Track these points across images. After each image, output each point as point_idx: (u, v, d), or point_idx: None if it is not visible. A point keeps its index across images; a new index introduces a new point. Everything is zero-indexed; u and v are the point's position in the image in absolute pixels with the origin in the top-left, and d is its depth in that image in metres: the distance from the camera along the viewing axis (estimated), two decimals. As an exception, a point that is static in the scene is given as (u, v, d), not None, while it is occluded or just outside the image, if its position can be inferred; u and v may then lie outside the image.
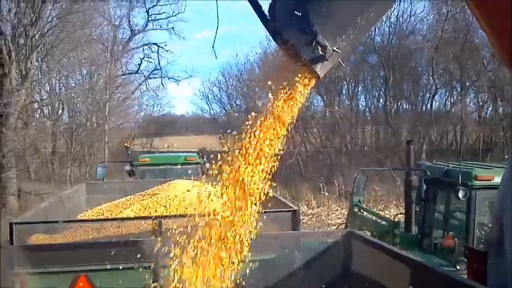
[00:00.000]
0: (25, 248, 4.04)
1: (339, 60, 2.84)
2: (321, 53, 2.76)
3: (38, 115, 28.04)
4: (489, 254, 4.49)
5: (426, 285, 3.32)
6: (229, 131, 3.06)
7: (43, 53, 24.51)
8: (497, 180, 5.64)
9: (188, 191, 5.84)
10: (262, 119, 2.94)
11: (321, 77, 2.88)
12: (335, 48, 2.76)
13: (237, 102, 36.77)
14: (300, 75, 2.89)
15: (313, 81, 2.92)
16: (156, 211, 5.69)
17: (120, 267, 3.48)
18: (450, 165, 8.24)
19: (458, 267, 6.58)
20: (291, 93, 2.92)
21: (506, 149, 25.69)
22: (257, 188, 2.98)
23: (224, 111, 37.95)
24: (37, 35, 22.19)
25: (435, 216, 8.29)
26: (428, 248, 7.92)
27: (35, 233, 5.15)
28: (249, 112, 3.05)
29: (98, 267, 3.66)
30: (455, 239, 7.44)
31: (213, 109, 40.02)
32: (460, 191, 7.02)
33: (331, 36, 2.79)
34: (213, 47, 3.23)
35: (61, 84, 30.13)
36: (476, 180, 7.28)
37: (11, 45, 20.64)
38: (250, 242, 3.06)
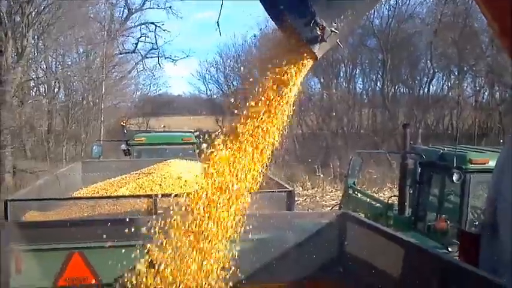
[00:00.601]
0: (19, 225, 4.04)
1: (337, 41, 2.83)
2: (319, 33, 2.75)
3: (34, 93, 27.96)
4: (482, 236, 4.53)
5: (419, 266, 3.34)
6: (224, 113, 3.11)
7: (39, 31, 24.31)
8: (492, 164, 5.66)
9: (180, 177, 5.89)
10: (254, 103, 2.96)
11: (319, 57, 2.88)
12: (333, 29, 2.76)
13: (234, 83, 36.69)
14: (297, 56, 2.88)
15: (310, 62, 2.91)
16: (151, 190, 5.69)
17: (115, 245, 3.49)
18: (445, 148, 8.27)
19: (450, 249, 6.63)
20: (288, 74, 2.92)
21: (501, 134, 25.76)
22: (246, 171, 3.01)
23: (221, 92, 37.84)
24: (33, 13, 21.99)
25: (429, 199, 8.34)
26: (421, 230, 7.97)
27: (30, 210, 5.16)
28: (244, 93, 3.06)
29: (92, 244, 3.67)
30: (448, 222, 7.49)
31: (210, 90, 39.93)
32: (455, 174, 7.04)
33: (330, 17, 2.78)
34: (217, 22, 3.20)
35: (57, 63, 29.94)
36: (471, 163, 7.31)
37: (7, 22, 20.46)
38: (241, 221, 3.09)
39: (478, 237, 4.57)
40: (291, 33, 2.88)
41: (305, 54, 2.89)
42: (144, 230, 3.23)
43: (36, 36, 24.60)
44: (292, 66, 2.91)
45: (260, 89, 2.95)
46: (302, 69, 2.95)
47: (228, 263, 3.21)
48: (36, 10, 22.13)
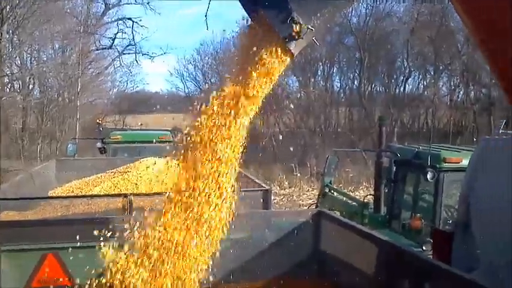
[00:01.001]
0: (-8, 225, 3.98)
1: (313, 38, 2.85)
2: (295, 30, 2.76)
3: (8, 89, 27.44)
4: (455, 234, 4.61)
5: (394, 264, 3.38)
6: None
7: (14, 25, 23.90)
8: (465, 162, 5.75)
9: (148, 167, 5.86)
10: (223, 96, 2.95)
11: (295, 55, 2.89)
12: (309, 26, 2.77)
13: (212, 80, 36.53)
14: (273, 53, 2.88)
15: (287, 60, 2.91)
16: (126, 189, 5.65)
17: (89, 245, 3.45)
18: (420, 147, 8.36)
19: (424, 248, 6.72)
20: (264, 70, 2.92)
21: (476, 133, 26.17)
22: (214, 170, 3.00)
23: (199, 89, 37.67)
24: (8, 7, 21.62)
25: (404, 198, 8.43)
26: (396, 229, 8.05)
27: (4, 210, 5.08)
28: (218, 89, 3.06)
29: (66, 245, 3.62)
30: (423, 220, 7.58)
31: (187, 87, 39.72)
32: (429, 172, 7.13)
33: (307, 14, 2.79)
34: (205, 15, 3.19)
35: (32, 58, 29.49)
36: (445, 162, 7.41)
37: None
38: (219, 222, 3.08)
39: (451, 235, 4.65)
40: (268, 30, 2.88)
41: (281, 52, 2.89)
42: (118, 229, 3.21)
43: (10, 31, 24.18)
44: (267, 62, 2.91)
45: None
46: (278, 67, 2.95)
47: (205, 263, 3.19)
48: (10, 4, 21.77)
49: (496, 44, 2.96)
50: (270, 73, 2.93)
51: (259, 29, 2.95)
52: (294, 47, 2.87)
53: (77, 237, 3.50)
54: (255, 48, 2.91)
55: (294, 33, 2.80)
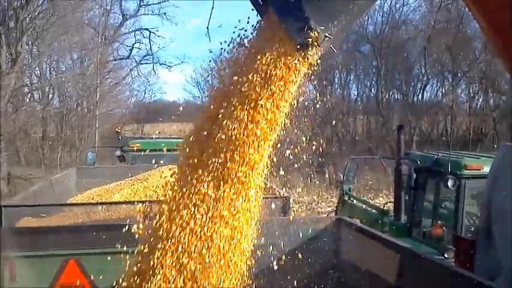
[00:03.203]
0: (14, 231, 4.01)
1: (331, 46, 2.83)
2: (312, 38, 2.75)
3: (28, 99, 27.79)
4: (477, 242, 4.55)
5: (415, 271, 3.35)
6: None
7: (33, 36, 24.22)
8: (486, 169, 5.69)
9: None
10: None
11: (313, 62, 2.87)
12: (327, 34, 2.75)
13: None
14: (290, 62, 2.87)
15: (305, 67, 2.90)
16: (146, 196, 5.68)
17: (110, 251, 3.47)
18: (440, 154, 8.28)
19: (446, 256, 6.63)
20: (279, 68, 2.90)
21: (496, 140, 25.84)
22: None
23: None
24: (27, 18, 21.92)
25: (424, 205, 8.33)
26: (417, 237, 7.97)
27: (24, 217, 5.13)
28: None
29: (88, 251, 3.65)
30: (444, 228, 7.49)
31: (205, 96, 39.90)
32: (449, 180, 7.05)
33: (324, 22, 2.78)
34: (207, 28, 3.19)
35: (51, 69, 29.85)
36: (466, 169, 7.32)
37: (0, 28, 20.40)
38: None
39: (473, 243, 4.59)
40: (286, 38, 2.87)
41: (299, 59, 2.87)
42: (138, 236, 3.21)
43: (30, 42, 24.51)
44: (283, 62, 2.89)
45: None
46: (296, 75, 2.93)
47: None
48: (30, 16, 22.05)
49: None
50: (286, 83, 2.91)
51: (271, 32, 2.93)
52: (311, 55, 2.85)
53: (98, 243, 3.52)
54: (268, 56, 2.89)
55: (311, 41, 2.78)
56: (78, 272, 3.68)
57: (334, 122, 29.39)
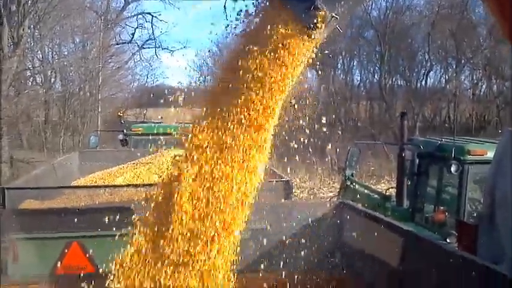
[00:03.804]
0: (16, 213, 4.01)
1: (337, 26, 2.81)
2: (319, 18, 2.73)
3: (30, 83, 27.76)
4: (480, 227, 4.53)
5: (418, 255, 3.34)
6: None
7: (35, 20, 24.12)
8: (490, 155, 5.64)
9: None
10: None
11: (319, 42, 2.85)
12: (333, 14, 2.73)
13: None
14: (296, 41, 2.84)
15: (311, 47, 2.87)
16: (148, 179, 5.67)
17: (112, 233, 3.46)
18: (443, 139, 8.24)
19: (448, 241, 6.62)
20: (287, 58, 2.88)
21: (499, 127, 25.78)
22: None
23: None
24: (29, 2, 21.80)
25: (427, 191, 8.31)
26: (419, 222, 7.96)
27: (27, 199, 5.13)
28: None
29: (90, 233, 3.65)
30: (447, 214, 7.48)
31: (207, 81, 39.62)
32: (453, 165, 7.03)
33: (331, 2, 2.75)
34: (224, 6, 3.15)
35: (53, 52, 29.84)
36: (469, 154, 7.28)
37: (2, 11, 20.29)
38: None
39: (476, 228, 4.58)
40: (292, 18, 2.83)
41: (305, 39, 2.84)
42: (139, 217, 3.20)
43: (32, 26, 24.42)
44: (290, 50, 2.86)
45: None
46: (301, 55, 2.90)
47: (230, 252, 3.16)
48: (31, -1, 21.95)
49: None
50: (292, 62, 2.89)
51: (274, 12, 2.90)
52: (318, 35, 2.82)
53: (100, 225, 3.51)
54: (274, 37, 2.86)
55: (317, 22, 2.75)
56: (80, 254, 3.69)
57: (337, 107, 29.36)
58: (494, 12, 3.23)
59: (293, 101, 3.19)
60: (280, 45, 2.83)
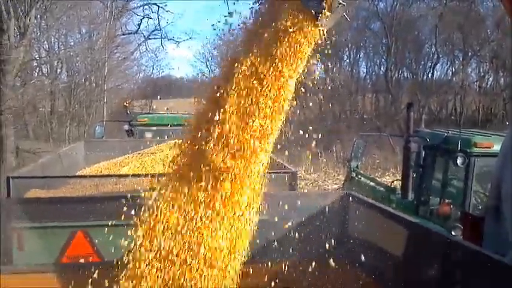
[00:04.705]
0: (22, 201, 4.02)
1: (344, 14, 2.77)
2: (326, 5, 2.69)
3: (36, 73, 27.80)
4: (486, 220, 4.52)
5: (423, 247, 3.32)
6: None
7: (42, 10, 24.09)
8: (497, 148, 5.63)
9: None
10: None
11: (326, 30, 2.81)
12: (340, 1, 2.69)
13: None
14: (303, 29, 2.81)
15: (317, 35, 2.84)
16: (154, 169, 5.67)
17: (118, 223, 3.46)
18: (449, 132, 8.21)
19: (453, 233, 6.61)
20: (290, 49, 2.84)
21: (506, 119, 25.66)
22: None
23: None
24: (36, -8, 21.79)
25: (432, 183, 8.30)
26: (424, 215, 7.95)
27: (32, 188, 5.14)
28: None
29: (95, 223, 3.65)
30: (452, 206, 7.46)
31: (212, 72, 39.75)
32: (459, 157, 7.01)
33: None
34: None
35: (60, 43, 29.81)
36: (476, 147, 7.26)
37: (9, 1, 20.27)
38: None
39: (482, 220, 4.56)
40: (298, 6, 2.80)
41: (311, 26, 2.80)
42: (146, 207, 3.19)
43: (38, 16, 24.40)
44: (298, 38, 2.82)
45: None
46: (307, 44, 2.87)
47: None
48: (38, -11, 21.93)
49: None
50: (298, 51, 2.85)
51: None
52: (325, 23, 2.79)
53: (106, 214, 3.51)
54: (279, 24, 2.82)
55: (324, 8, 2.72)
56: (85, 244, 3.69)
57: (342, 99, 29.27)
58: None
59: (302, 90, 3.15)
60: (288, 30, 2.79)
